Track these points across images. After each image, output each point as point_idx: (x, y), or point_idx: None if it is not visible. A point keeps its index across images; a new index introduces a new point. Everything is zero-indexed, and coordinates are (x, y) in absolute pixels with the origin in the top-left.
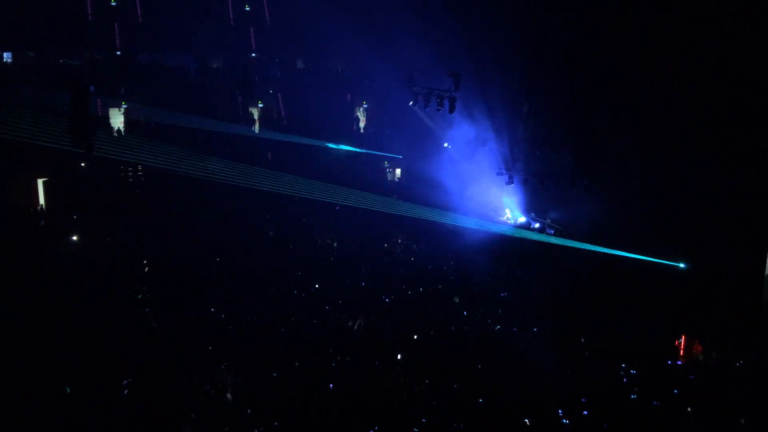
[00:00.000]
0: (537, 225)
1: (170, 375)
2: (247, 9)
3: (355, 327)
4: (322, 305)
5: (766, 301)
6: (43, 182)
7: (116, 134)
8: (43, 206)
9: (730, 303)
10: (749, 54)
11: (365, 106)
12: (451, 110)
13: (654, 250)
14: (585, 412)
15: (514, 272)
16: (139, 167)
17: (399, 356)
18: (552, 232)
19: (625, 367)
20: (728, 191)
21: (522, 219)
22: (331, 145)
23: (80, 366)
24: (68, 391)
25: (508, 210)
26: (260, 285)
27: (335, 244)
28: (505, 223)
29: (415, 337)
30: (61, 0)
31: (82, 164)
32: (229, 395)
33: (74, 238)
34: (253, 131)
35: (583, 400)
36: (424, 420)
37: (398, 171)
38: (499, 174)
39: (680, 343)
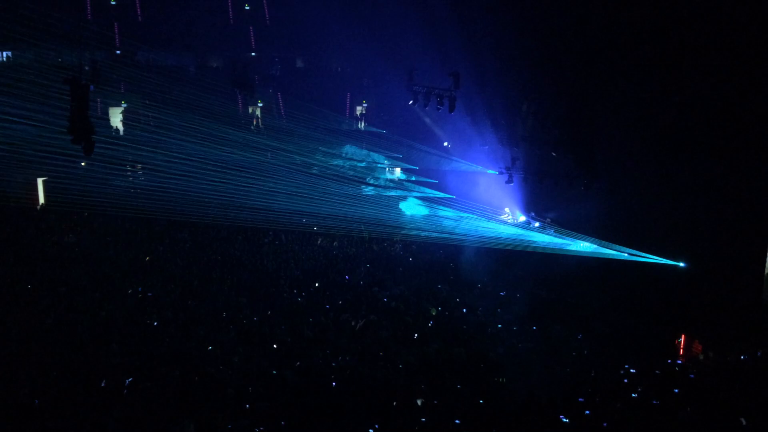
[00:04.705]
0: (537, 224)
1: (170, 374)
2: (247, 8)
3: (357, 327)
4: (322, 304)
5: (766, 300)
6: (43, 181)
7: (116, 133)
8: (43, 205)
9: (730, 302)
10: (750, 54)
11: (365, 104)
12: (451, 109)
13: (654, 250)
14: (587, 412)
15: (513, 271)
16: (139, 166)
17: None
18: (551, 230)
19: (626, 366)
20: (728, 190)
21: (522, 218)
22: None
23: (80, 364)
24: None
25: (507, 209)
26: (260, 284)
27: (335, 243)
28: (504, 222)
29: (416, 336)
30: None
31: (82, 163)
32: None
33: (74, 236)
34: (253, 130)
35: (580, 399)
36: (423, 420)
37: (398, 170)
38: (499, 173)
39: (680, 342)
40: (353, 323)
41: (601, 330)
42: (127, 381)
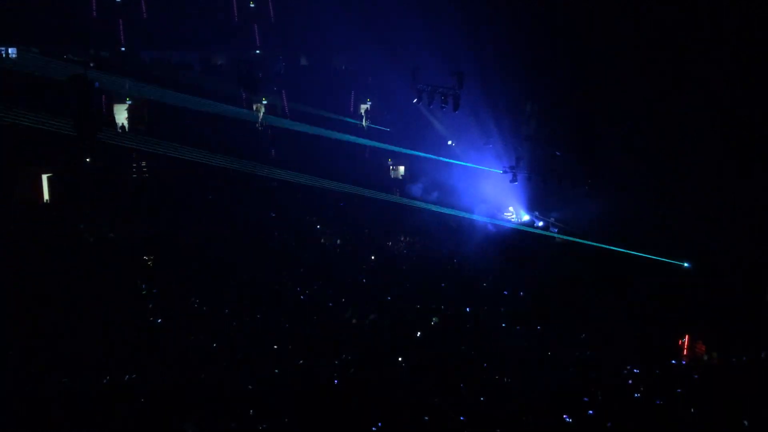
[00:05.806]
0: (540, 223)
1: (173, 372)
2: (252, 6)
3: (359, 325)
4: (324, 303)
5: None
6: (48, 177)
7: (120, 130)
8: (48, 201)
9: (734, 303)
10: (751, 54)
11: (369, 103)
12: (455, 108)
13: (657, 250)
14: (590, 412)
15: (517, 271)
16: (143, 163)
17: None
18: (555, 230)
19: (629, 367)
20: (731, 190)
21: (526, 217)
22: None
23: (83, 361)
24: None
25: (511, 208)
26: (263, 282)
27: (338, 241)
28: (508, 221)
29: (418, 334)
30: None
31: (87, 159)
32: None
33: (78, 233)
34: (257, 128)
35: (585, 399)
36: (426, 418)
37: (401, 168)
38: (503, 172)
39: (684, 342)
40: (355, 322)
41: (605, 330)
42: (126, 377)
